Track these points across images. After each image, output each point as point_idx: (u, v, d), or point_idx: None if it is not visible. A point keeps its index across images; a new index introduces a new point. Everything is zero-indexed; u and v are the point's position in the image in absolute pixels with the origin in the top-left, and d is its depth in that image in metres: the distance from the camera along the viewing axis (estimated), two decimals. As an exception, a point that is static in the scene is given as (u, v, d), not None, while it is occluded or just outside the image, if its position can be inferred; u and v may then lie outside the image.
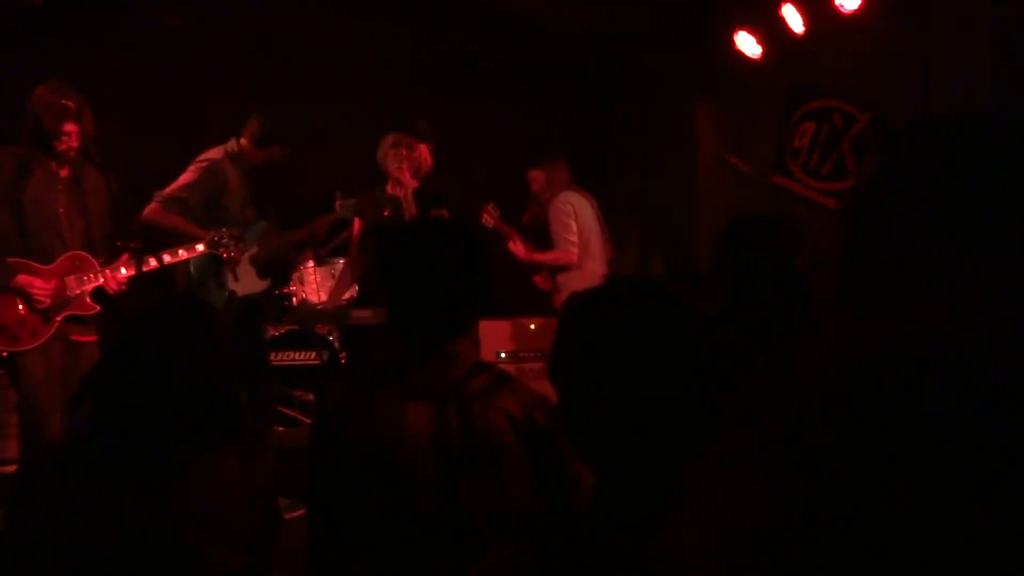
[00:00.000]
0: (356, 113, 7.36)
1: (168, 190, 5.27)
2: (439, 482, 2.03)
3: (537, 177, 6.37)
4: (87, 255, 4.48)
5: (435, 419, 2.06)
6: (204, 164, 5.41)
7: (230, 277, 5.31)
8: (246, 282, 5.43)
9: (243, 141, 5.52)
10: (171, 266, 4.81)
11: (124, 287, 4.49)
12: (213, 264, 5.25)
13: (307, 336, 5.95)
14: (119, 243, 4.60)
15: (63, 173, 4.46)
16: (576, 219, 6.14)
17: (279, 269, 6.10)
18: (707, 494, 0.90)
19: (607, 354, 1.53)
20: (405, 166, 5.15)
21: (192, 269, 5.34)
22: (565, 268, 6.15)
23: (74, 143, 4.38)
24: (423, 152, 5.23)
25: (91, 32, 6.87)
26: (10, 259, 4.32)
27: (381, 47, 7.85)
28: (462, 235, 2.25)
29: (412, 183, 5.16)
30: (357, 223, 5.38)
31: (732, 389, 1.39)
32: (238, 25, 7.34)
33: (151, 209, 5.22)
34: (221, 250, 4.84)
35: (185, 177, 5.37)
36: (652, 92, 8.08)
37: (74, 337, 4.45)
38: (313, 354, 6.05)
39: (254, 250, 5.44)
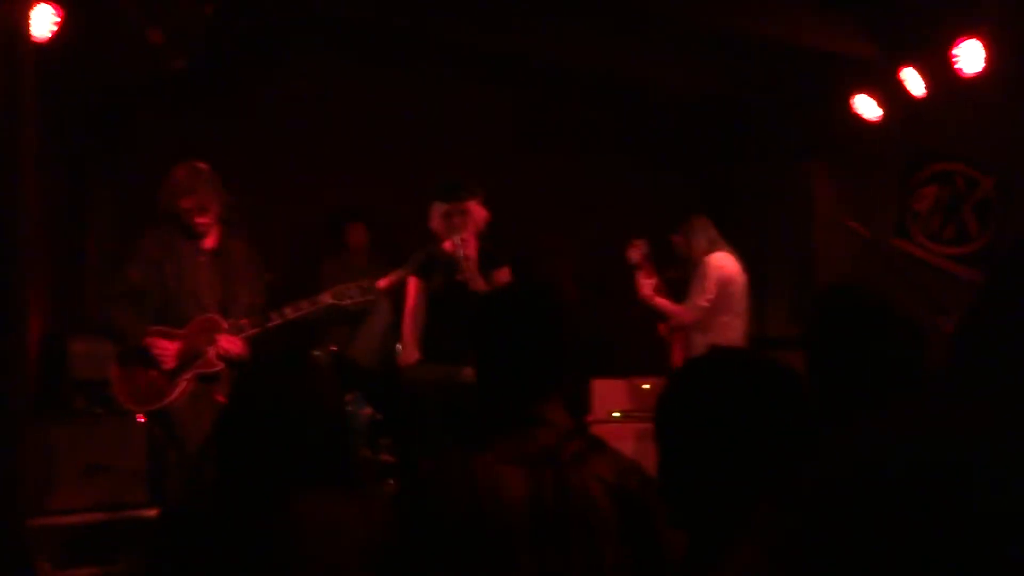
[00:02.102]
0: (487, 177, 7.59)
1: None
2: (534, 548, 2.06)
3: (678, 239, 6.35)
4: (217, 317, 4.65)
5: (531, 485, 2.09)
6: None
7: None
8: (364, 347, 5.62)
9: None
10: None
11: (237, 347, 4.61)
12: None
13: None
14: (271, 313, 4.75)
15: (204, 245, 4.71)
16: (718, 283, 6.11)
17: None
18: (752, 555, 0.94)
19: (709, 422, 1.60)
20: (464, 229, 5.12)
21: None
22: (684, 326, 6.15)
23: (200, 219, 4.62)
24: (476, 209, 5.22)
25: (229, 99, 7.26)
26: (150, 328, 4.57)
27: (505, 113, 8.08)
28: (546, 300, 2.32)
29: (473, 247, 5.15)
30: (412, 281, 5.38)
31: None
32: (366, 95, 7.65)
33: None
34: (346, 300, 4.87)
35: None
36: (770, 154, 8.06)
37: (218, 397, 4.58)
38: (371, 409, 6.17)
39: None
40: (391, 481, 5.91)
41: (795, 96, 7.38)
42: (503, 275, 5.23)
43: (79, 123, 6.91)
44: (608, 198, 8.25)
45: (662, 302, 6.19)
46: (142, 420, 4.92)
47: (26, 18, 3.21)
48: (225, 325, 4.65)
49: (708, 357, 1.82)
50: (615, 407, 6.56)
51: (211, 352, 4.59)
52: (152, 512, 4.90)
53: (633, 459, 2.26)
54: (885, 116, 6.85)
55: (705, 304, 6.04)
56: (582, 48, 7.10)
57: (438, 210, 5.21)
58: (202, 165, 4.72)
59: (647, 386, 6.60)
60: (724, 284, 6.12)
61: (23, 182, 3.19)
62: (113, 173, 7.20)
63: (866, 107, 6.90)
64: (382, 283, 5.94)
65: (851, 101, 6.92)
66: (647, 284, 6.16)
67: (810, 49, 6.69)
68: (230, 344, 4.60)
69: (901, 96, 6.59)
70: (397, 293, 5.56)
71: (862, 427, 0.92)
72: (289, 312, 4.72)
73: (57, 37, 4.91)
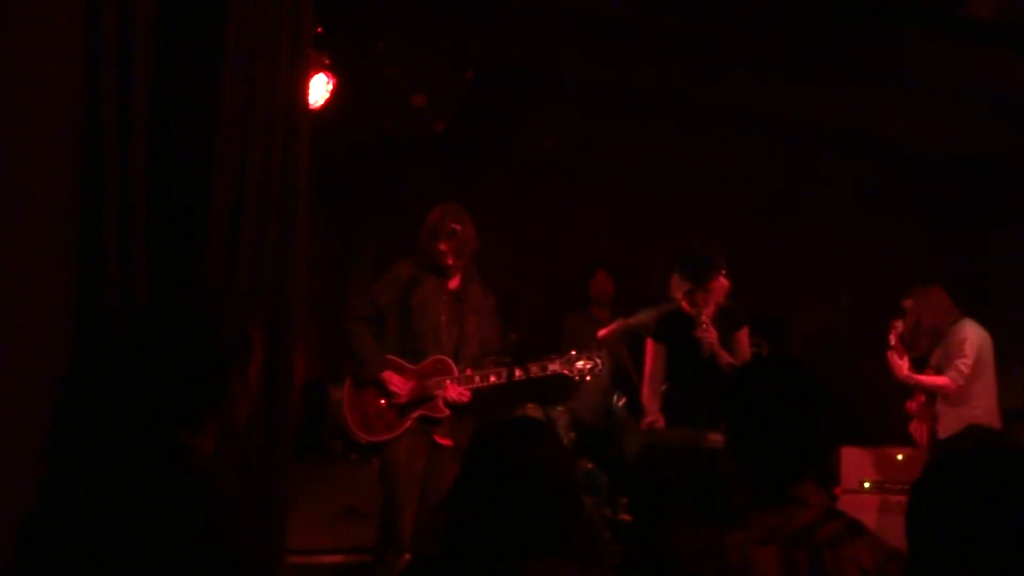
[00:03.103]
0: (737, 234, 7.55)
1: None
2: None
3: (912, 306, 6.17)
4: (450, 361, 4.76)
5: (783, 565, 2.06)
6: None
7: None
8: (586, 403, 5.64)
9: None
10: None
11: (465, 398, 4.69)
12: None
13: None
14: (506, 360, 4.86)
15: (450, 285, 4.86)
16: (976, 349, 5.88)
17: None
18: None
19: (970, 515, 1.52)
20: (707, 307, 5.04)
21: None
22: (946, 396, 5.88)
23: (448, 260, 4.77)
24: (720, 284, 5.12)
25: (485, 157, 7.53)
26: (389, 356, 4.74)
27: (758, 171, 7.99)
28: (801, 376, 2.28)
29: (711, 316, 5.05)
30: (651, 344, 5.31)
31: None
32: (611, 150, 7.76)
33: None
34: (575, 372, 4.87)
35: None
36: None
37: (436, 438, 4.73)
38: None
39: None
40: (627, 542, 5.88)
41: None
42: (743, 336, 5.18)
43: (347, 182, 7.34)
44: (866, 260, 8.00)
45: (923, 378, 5.99)
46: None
47: (305, 89, 3.45)
48: (455, 371, 4.75)
49: (968, 448, 1.72)
50: (864, 476, 6.30)
51: (440, 397, 4.70)
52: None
53: (895, 547, 2.16)
54: None
55: (966, 371, 5.81)
56: (845, 107, 6.96)
57: (680, 285, 5.15)
58: (459, 206, 4.86)
59: (900, 456, 6.31)
60: (980, 350, 5.87)
61: (297, 241, 3.41)
62: (376, 229, 7.59)
63: None
64: (601, 333, 5.96)
65: None
66: (903, 364, 6.05)
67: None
68: (458, 395, 4.70)
69: None
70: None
71: None
72: (518, 373, 4.76)
73: (329, 103, 5.25)
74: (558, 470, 2.27)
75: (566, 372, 4.87)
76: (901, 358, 6.10)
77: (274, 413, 3.46)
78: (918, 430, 6.20)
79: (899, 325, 6.18)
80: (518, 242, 7.43)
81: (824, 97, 6.88)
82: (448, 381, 4.71)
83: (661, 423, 5.11)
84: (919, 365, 6.12)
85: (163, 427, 2.25)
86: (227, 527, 2.14)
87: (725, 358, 4.98)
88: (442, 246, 4.75)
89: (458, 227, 4.75)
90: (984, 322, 6.11)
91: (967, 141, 7.45)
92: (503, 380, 4.73)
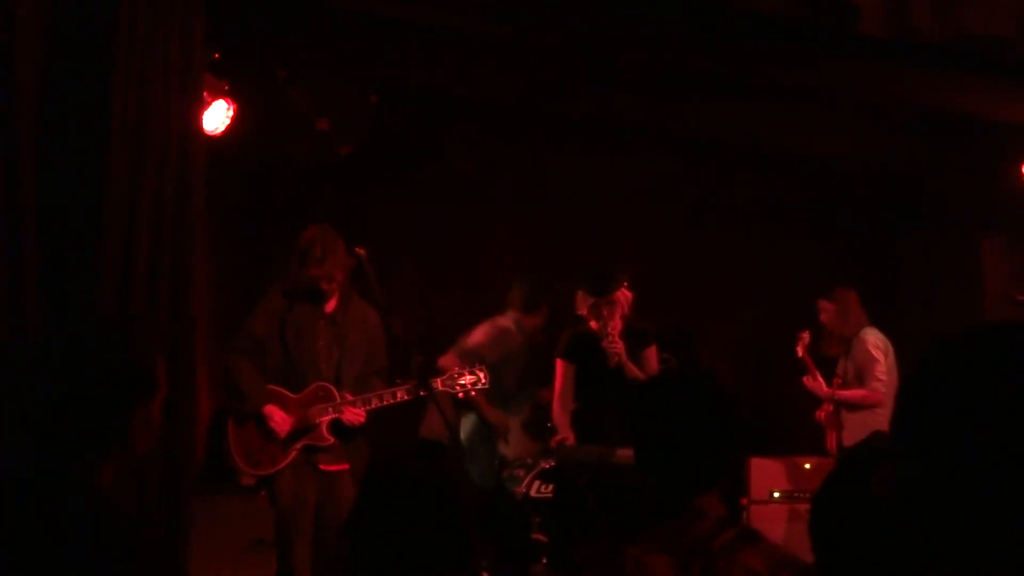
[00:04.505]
0: (649, 251, 7.62)
1: (470, 345, 5.54)
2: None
3: (827, 307, 6.29)
4: (332, 388, 4.73)
5: (678, 575, 2.09)
6: (499, 328, 5.65)
7: (501, 443, 5.50)
8: (515, 446, 5.64)
9: (519, 314, 5.79)
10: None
11: (360, 419, 4.66)
12: (485, 431, 5.45)
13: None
14: (397, 380, 4.83)
15: (326, 309, 4.81)
16: (885, 355, 6.02)
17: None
18: None
19: (867, 525, 1.54)
20: (612, 319, 5.09)
21: (464, 436, 5.55)
22: (866, 405, 6.01)
23: (321, 285, 4.73)
24: (622, 297, 5.19)
25: (394, 181, 7.51)
26: (269, 386, 4.69)
27: (664, 189, 8.10)
28: (708, 391, 2.31)
29: (618, 329, 5.12)
30: (560, 364, 5.34)
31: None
32: (523, 173, 7.80)
33: (450, 361, 5.49)
34: (457, 389, 4.87)
35: (480, 336, 5.62)
36: (937, 227, 7.84)
37: (322, 466, 4.69)
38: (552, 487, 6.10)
39: (526, 415, 5.60)
40: (544, 561, 5.88)
41: (965, 168, 7.17)
42: (651, 354, 5.24)
43: (254, 208, 7.26)
44: (771, 273, 8.15)
45: (847, 394, 6.11)
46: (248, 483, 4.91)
47: (200, 114, 3.42)
48: (337, 397, 4.71)
49: (865, 459, 1.73)
50: (774, 487, 6.40)
51: (324, 426, 4.66)
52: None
53: (790, 553, 2.20)
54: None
55: (884, 376, 5.96)
56: (747, 123, 7.09)
57: (585, 300, 5.22)
58: (328, 228, 4.82)
59: (808, 465, 6.42)
60: (886, 356, 6.05)
61: (194, 268, 3.37)
62: (283, 256, 7.48)
63: (1036, 178, 6.65)
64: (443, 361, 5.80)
65: (1021, 171, 6.67)
66: (821, 384, 6.22)
67: (981, 118, 6.51)
68: (353, 416, 4.66)
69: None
70: None
71: None
72: (399, 395, 4.72)
73: (231, 129, 5.20)
74: (459, 491, 2.27)
75: (450, 390, 4.88)
76: (815, 378, 6.22)
77: (175, 446, 3.41)
78: (828, 438, 6.32)
79: (805, 337, 6.31)
80: (428, 264, 7.42)
81: (727, 114, 7.00)
82: (332, 407, 4.68)
83: (571, 440, 5.14)
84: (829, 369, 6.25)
85: (60, 459, 2.20)
86: (124, 561, 2.10)
87: (633, 371, 5.04)
88: (313, 271, 4.71)
89: (327, 251, 4.71)
90: (887, 331, 6.27)
91: (867, 155, 7.64)
92: (379, 405, 4.71)
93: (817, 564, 1.68)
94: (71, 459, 2.18)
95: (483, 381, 4.90)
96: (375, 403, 4.70)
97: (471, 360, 5.31)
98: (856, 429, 6.00)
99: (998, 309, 7.17)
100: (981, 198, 7.27)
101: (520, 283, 5.89)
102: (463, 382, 4.85)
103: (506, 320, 5.80)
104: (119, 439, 2.23)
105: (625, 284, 5.19)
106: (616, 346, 5.02)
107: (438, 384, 4.81)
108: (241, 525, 5.60)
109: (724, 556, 2.11)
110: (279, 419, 4.62)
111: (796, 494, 6.31)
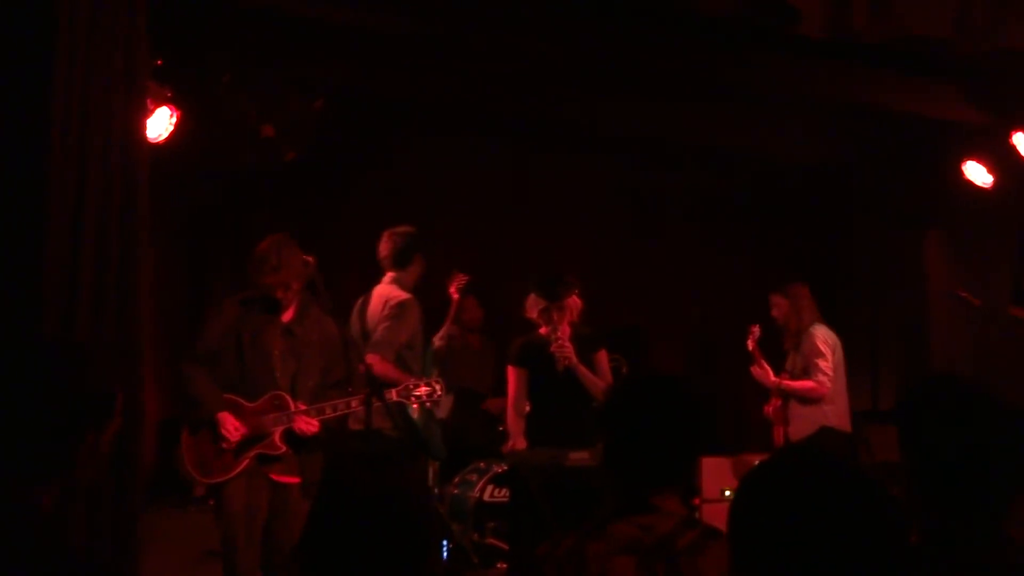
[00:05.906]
0: (599, 253, 7.65)
1: (386, 339, 5.34)
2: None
3: (778, 302, 6.34)
4: (287, 396, 4.65)
5: (642, 575, 2.10)
6: (405, 305, 5.46)
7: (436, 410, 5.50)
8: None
9: (396, 272, 5.62)
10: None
11: (313, 429, 4.59)
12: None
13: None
14: (350, 389, 4.78)
15: (283, 319, 4.76)
16: (833, 352, 6.09)
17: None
18: None
19: (784, 531, 1.52)
20: (561, 324, 5.08)
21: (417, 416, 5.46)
22: (813, 400, 6.07)
23: (277, 294, 4.67)
24: (572, 303, 5.18)
25: (341, 186, 7.47)
26: (226, 395, 4.62)
27: (612, 190, 8.15)
28: (673, 392, 2.35)
29: (568, 334, 5.12)
30: (512, 370, 5.28)
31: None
32: (476, 176, 7.81)
33: (378, 363, 5.28)
34: (412, 400, 4.86)
35: (393, 324, 5.39)
36: (880, 224, 7.96)
37: (273, 476, 4.62)
38: (506, 491, 6.08)
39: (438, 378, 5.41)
40: (500, 565, 5.87)
41: (907, 164, 7.30)
42: (601, 358, 5.24)
43: (201, 214, 7.17)
44: (717, 271, 8.22)
45: (793, 384, 6.16)
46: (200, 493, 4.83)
47: (143, 123, 3.36)
48: (292, 407, 4.65)
49: (783, 461, 1.71)
50: (725, 485, 6.45)
51: (277, 435, 4.60)
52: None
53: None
54: (997, 182, 6.70)
55: (830, 371, 6.01)
56: (690, 122, 7.15)
57: (536, 303, 5.21)
58: (285, 238, 4.77)
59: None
60: (834, 351, 6.11)
61: (141, 276, 3.32)
62: (232, 262, 7.42)
63: (977, 174, 6.77)
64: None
65: (962, 168, 6.80)
66: (768, 372, 6.28)
67: (921, 117, 6.62)
68: (305, 425, 4.61)
69: (1013, 162, 6.44)
70: None
71: None
72: (354, 404, 4.65)
73: (174, 136, 5.14)
74: (410, 500, 2.23)
75: (405, 401, 4.86)
76: (763, 367, 6.29)
77: (126, 466, 3.35)
78: (776, 433, 6.38)
79: (756, 331, 6.36)
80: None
81: (670, 114, 7.06)
82: (287, 416, 4.60)
83: (522, 445, 5.14)
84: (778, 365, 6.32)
85: (2, 482, 2.14)
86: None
87: (585, 374, 5.04)
88: (268, 279, 4.67)
89: (282, 259, 4.65)
90: (832, 327, 6.36)
91: (810, 153, 7.75)
92: (333, 415, 4.65)
93: (733, 568, 1.63)
94: (15, 481, 2.13)
95: (438, 392, 4.88)
96: (329, 412, 4.65)
97: (401, 354, 5.24)
98: (803, 424, 6.06)
99: (943, 304, 7.30)
100: (923, 195, 7.39)
101: (389, 241, 5.61)
102: (418, 394, 4.83)
103: (390, 287, 5.52)
104: (63, 467, 2.18)
105: (576, 291, 5.19)
106: (566, 350, 5.02)
107: (393, 395, 4.77)
108: (192, 537, 5.55)
109: (687, 556, 2.11)
110: (231, 426, 4.56)
111: (747, 491, 6.35)
